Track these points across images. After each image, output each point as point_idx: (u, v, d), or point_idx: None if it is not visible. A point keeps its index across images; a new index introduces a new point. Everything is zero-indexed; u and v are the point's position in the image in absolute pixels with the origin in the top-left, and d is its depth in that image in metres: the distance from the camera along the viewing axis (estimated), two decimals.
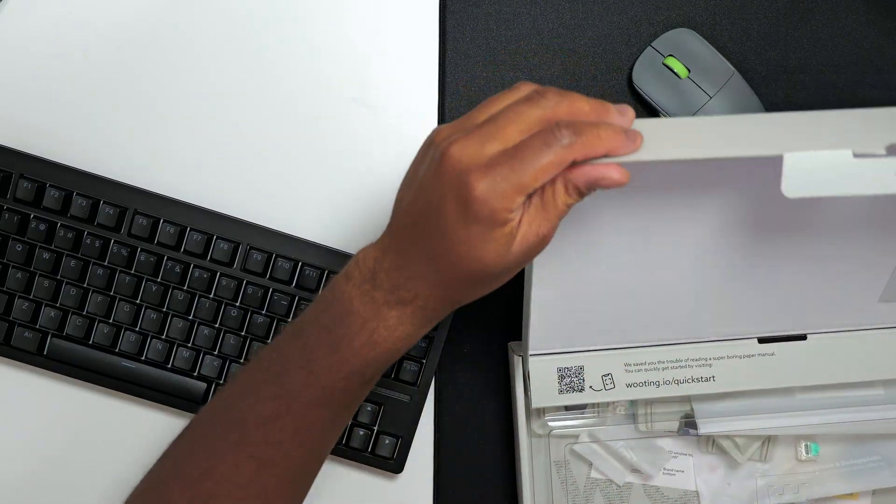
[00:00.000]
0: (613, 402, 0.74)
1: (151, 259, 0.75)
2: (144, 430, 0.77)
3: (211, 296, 0.75)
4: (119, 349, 0.75)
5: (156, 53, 0.78)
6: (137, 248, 0.75)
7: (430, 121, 0.78)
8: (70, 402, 0.77)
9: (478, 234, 0.52)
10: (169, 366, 0.75)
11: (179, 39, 0.78)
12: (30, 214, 0.75)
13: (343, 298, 0.57)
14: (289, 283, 0.75)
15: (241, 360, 0.75)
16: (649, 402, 0.75)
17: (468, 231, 0.53)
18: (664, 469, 0.75)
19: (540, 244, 0.54)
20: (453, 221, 0.53)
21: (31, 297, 0.75)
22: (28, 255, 0.75)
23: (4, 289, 0.75)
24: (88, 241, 0.75)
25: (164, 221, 0.75)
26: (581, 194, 0.53)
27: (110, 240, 0.75)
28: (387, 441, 0.75)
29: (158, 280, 0.75)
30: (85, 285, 0.75)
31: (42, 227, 0.75)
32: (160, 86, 0.78)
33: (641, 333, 0.71)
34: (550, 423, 0.75)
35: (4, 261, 0.75)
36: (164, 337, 0.75)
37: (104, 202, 0.75)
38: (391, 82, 0.78)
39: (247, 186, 0.78)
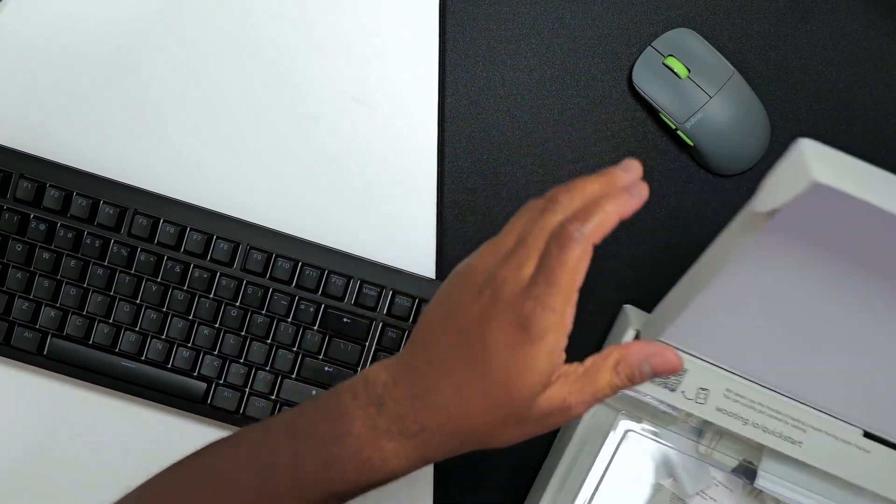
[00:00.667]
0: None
1: (151, 259, 0.75)
2: (144, 430, 0.77)
3: (211, 296, 0.75)
4: (119, 349, 0.75)
5: (156, 53, 0.78)
6: (137, 248, 0.75)
7: (430, 121, 0.78)
8: (70, 402, 0.77)
9: (521, 359, 0.52)
10: (169, 366, 0.75)
11: (180, 40, 0.78)
12: (30, 214, 0.75)
13: (345, 415, 0.56)
14: (289, 283, 0.75)
15: (241, 360, 0.75)
16: (724, 432, 0.72)
17: (513, 354, 0.53)
18: (701, 492, 0.73)
19: (561, 414, 0.54)
20: (498, 347, 0.53)
21: (31, 297, 0.75)
22: (28, 255, 0.75)
23: (4, 289, 0.75)
24: (88, 241, 0.75)
25: (164, 221, 0.75)
26: (630, 379, 0.54)
27: (110, 240, 0.75)
28: None
29: (158, 280, 0.75)
30: (85, 285, 0.75)
31: (42, 227, 0.75)
32: (160, 85, 0.78)
33: (757, 368, 0.68)
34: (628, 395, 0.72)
35: (4, 261, 0.75)
36: (164, 337, 0.75)
37: (104, 202, 0.75)
38: (391, 82, 0.78)
39: (247, 186, 0.78)
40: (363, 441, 0.55)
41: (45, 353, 0.75)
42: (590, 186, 0.55)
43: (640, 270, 0.79)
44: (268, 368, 0.75)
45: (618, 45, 0.79)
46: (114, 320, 0.75)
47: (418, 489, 0.78)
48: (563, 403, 0.54)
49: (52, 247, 0.75)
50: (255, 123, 0.78)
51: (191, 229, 0.75)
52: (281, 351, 0.75)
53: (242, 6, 0.78)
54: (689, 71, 0.76)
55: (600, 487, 0.73)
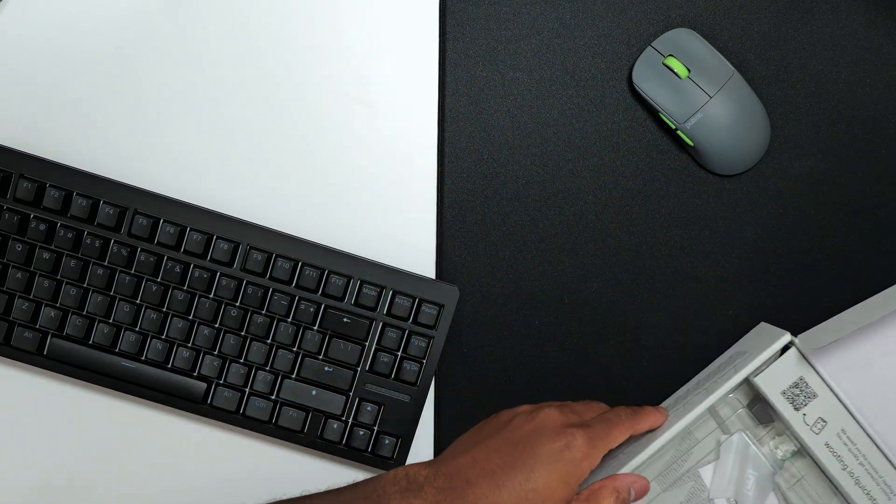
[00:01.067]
0: (788, 443, 0.73)
1: (151, 259, 0.75)
2: (144, 430, 0.77)
3: (211, 296, 0.75)
4: (119, 349, 0.75)
5: (156, 53, 0.78)
6: (137, 248, 0.75)
7: (430, 121, 0.78)
8: (70, 402, 0.77)
9: (562, 471, 0.64)
10: (169, 366, 0.75)
11: (180, 39, 0.78)
12: (30, 214, 0.75)
13: (382, 498, 0.64)
14: (289, 283, 0.75)
15: (241, 360, 0.75)
16: (807, 473, 0.73)
17: (556, 467, 0.64)
18: None
19: None
20: (544, 458, 0.64)
21: (31, 297, 0.75)
22: (28, 255, 0.75)
23: (4, 289, 0.75)
24: (88, 241, 0.75)
25: (164, 221, 0.75)
26: (618, 499, 0.67)
27: (110, 240, 0.75)
28: (387, 441, 0.75)
29: (158, 280, 0.75)
30: (85, 285, 0.75)
31: (42, 227, 0.75)
32: (160, 86, 0.78)
33: (881, 423, 0.70)
34: (739, 403, 0.73)
35: (4, 261, 0.75)
36: (164, 337, 0.75)
37: (104, 202, 0.75)
38: (391, 82, 0.78)
39: (247, 186, 0.78)
40: None
41: (45, 353, 0.75)
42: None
43: (639, 270, 0.79)
44: (268, 368, 0.75)
45: (618, 45, 0.79)
46: (114, 320, 0.75)
47: None
48: None
49: (52, 247, 0.75)
50: (256, 123, 0.78)
51: (191, 229, 0.75)
52: (281, 351, 0.75)
53: (242, 7, 0.78)
54: (689, 71, 0.76)
55: (660, 471, 0.73)
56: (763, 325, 0.77)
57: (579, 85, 0.79)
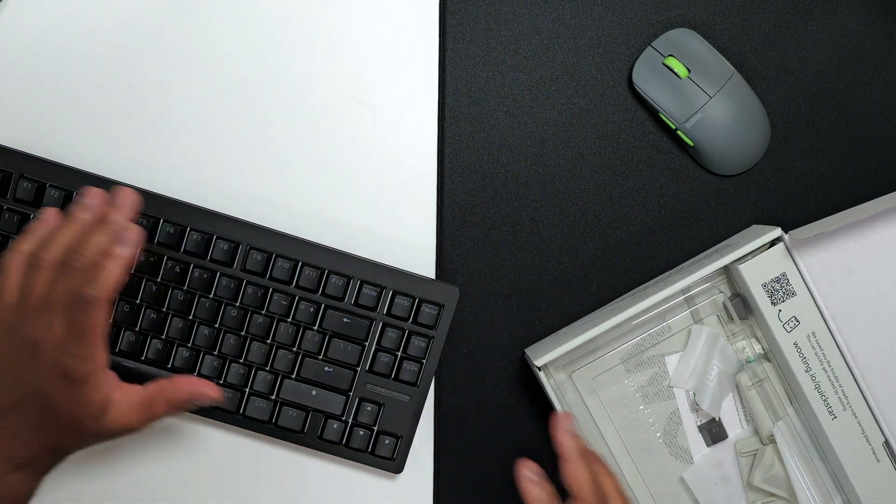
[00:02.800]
0: (756, 345, 0.75)
1: (151, 259, 0.75)
2: (144, 430, 0.77)
3: (211, 296, 0.75)
4: (119, 349, 0.75)
5: (156, 53, 0.78)
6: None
7: (430, 121, 0.78)
8: None
9: (77, 400, 0.64)
10: (169, 366, 0.75)
11: (179, 39, 0.78)
12: (30, 214, 0.75)
13: None
14: (289, 283, 0.75)
15: (241, 360, 0.75)
16: (768, 377, 0.74)
17: (70, 400, 0.64)
18: (709, 402, 0.75)
19: (126, 432, 0.66)
20: (58, 401, 0.64)
21: None
22: None
23: None
24: None
25: (165, 221, 0.75)
26: (180, 408, 0.67)
27: None
28: (387, 441, 0.75)
29: (158, 280, 0.75)
30: None
31: None
32: (160, 86, 0.78)
33: (849, 332, 0.72)
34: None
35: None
36: (163, 337, 0.75)
37: None
38: (391, 82, 0.78)
39: (247, 186, 0.78)
40: None
41: None
42: (64, 235, 0.66)
43: (638, 270, 0.79)
44: (268, 368, 0.75)
45: (618, 45, 0.79)
46: (113, 320, 0.75)
47: (418, 489, 0.78)
48: (127, 425, 0.66)
49: None
50: (256, 124, 0.78)
51: (191, 229, 0.75)
52: (281, 351, 0.75)
53: (243, 7, 0.78)
54: (689, 71, 0.76)
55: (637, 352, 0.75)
56: (755, 225, 0.78)
57: (579, 85, 0.79)
